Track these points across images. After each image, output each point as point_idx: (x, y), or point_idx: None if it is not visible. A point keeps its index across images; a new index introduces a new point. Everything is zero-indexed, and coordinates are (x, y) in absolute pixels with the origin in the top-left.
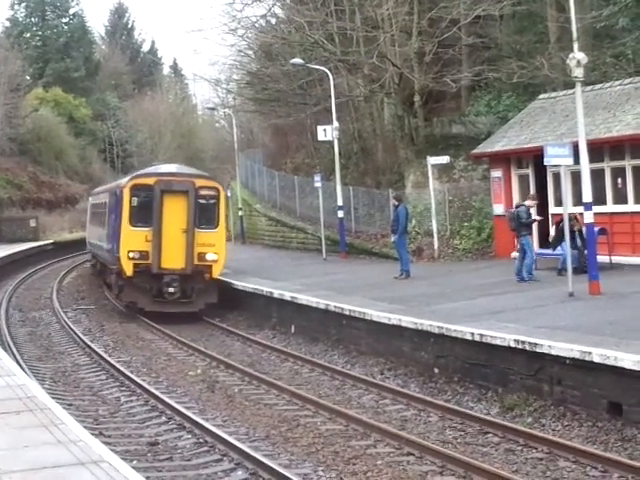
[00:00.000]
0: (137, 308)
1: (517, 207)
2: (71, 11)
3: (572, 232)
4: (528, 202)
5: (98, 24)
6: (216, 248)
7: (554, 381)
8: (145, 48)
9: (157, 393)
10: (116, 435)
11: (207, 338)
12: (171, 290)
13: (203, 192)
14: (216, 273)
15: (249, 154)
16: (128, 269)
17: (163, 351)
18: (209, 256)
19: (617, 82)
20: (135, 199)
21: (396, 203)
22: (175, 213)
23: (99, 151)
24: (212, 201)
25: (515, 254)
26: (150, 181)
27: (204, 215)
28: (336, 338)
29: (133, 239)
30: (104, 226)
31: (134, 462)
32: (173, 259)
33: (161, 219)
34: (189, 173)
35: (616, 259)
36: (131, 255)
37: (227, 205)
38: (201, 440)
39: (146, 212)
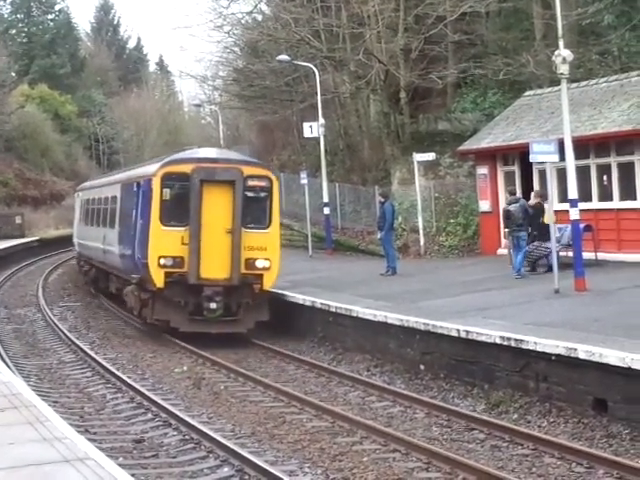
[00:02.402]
0: (167, 328)
1: (516, 202)
2: (57, 7)
3: (532, 221)
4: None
5: (84, 21)
6: (268, 253)
7: (540, 378)
8: (131, 45)
9: (143, 390)
10: (102, 432)
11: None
12: (213, 306)
13: (252, 182)
14: (268, 284)
15: (235, 151)
16: (158, 279)
17: (149, 348)
18: (259, 263)
19: (602, 79)
20: (167, 191)
21: (382, 200)
22: (218, 209)
23: (85, 148)
24: (263, 194)
25: (503, 251)
26: (186, 168)
27: (253, 211)
28: (322, 335)
29: (165, 242)
30: (112, 226)
31: (120, 459)
32: (215, 267)
33: (200, 216)
34: (235, 158)
35: (602, 256)
36: (162, 262)
37: (280, 199)
38: (187, 437)
39: (181, 208)
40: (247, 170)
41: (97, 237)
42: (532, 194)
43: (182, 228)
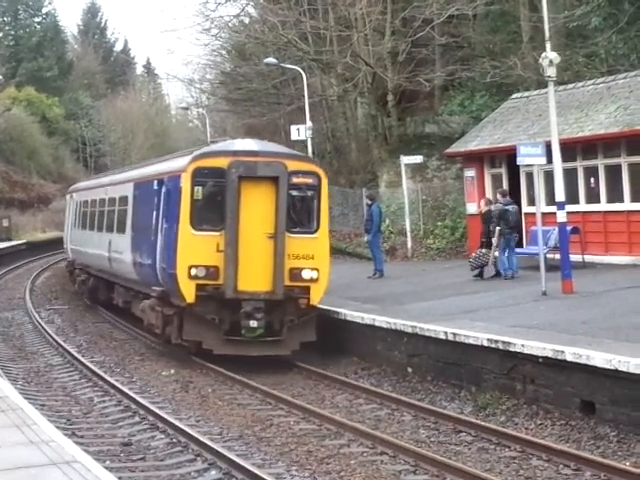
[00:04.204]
0: (198, 350)
1: (511, 203)
2: (44, 10)
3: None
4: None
5: (71, 23)
6: (316, 262)
7: (527, 380)
8: (118, 47)
9: (130, 393)
10: (89, 435)
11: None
12: (253, 324)
13: (298, 179)
14: (316, 299)
15: None
16: (189, 293)
17: (137, 351)
18: (306, 273)
19: (590, 82)
20: (199, 189)
21: (369, 202)
22: (258, 210)
23: (72, 151)
24: (310, 192)
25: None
26: (222, 162)
27: (299, 213)
28: None
29: (197, 249)
30: (121, 230)
31: (107, 462)
32: (255, 278)
33: (238, 219)
34: (278, 151)
35: (589, 258)
36: (193, 272)
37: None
38: (174, 440)
39: (215, 209)
40: (292, 165)
41: (99, 243)
42: (482, 201)
43: (217, 233)
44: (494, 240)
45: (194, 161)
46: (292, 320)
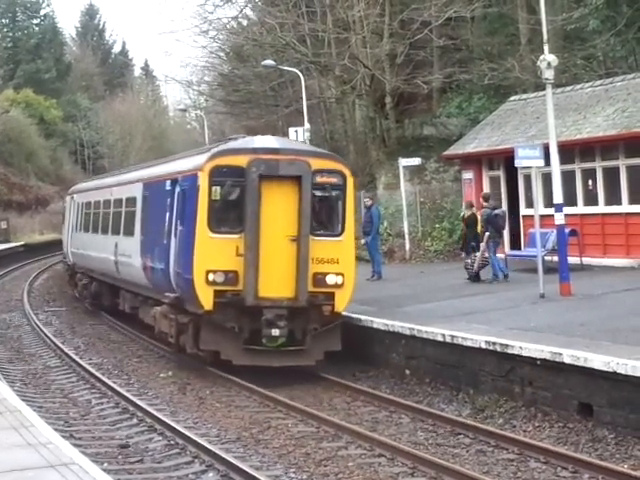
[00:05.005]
0: (215, 360)
1: (496, 208)
2: (42, 12)
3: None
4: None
5: (69, 25)
6: (341, 266)
7: (525, 382)
8: (116, 49)
9: (128, 395)
10: (87, 437)
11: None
12: (275, 332)
13: (321, 178)
14: (341, 305)
15: None
16: (206, 300)
17: (134, 353)
18: (330, 279)
19: (587, 84)
20: (217, 189)
21: (369, 204)
22: (280, 211)
23: (70, 153)
24: (335, 192)
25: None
26: (241, 161)
27: (323, 214)
28: None
29: (215, 252)
30: (128, 233)
31: (104, 464)
32: (277, 284)
33: (259, 221)
34: (300, 149)
35: (587, 260)
36: (211, 278)
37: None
38: (172, 442)
39: (235, 210)
40: (315, 163)
41: (104, 246)
42: (464, 205)
43: (236, 235)
44: (482, 245)
45: (212, 159)
46: (315, 328)
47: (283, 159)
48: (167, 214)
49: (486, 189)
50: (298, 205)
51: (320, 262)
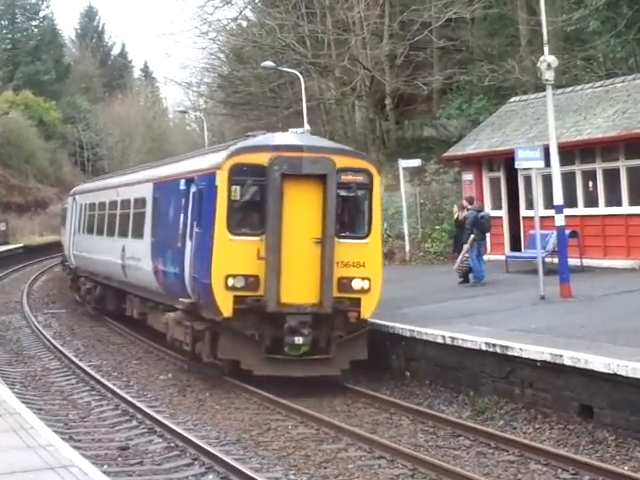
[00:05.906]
0: (234, 369)
1: (480, 211)
2: (41, 14)
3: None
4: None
5: (68, 27)
6: (367, 270)
7: (525, 384)
8: (115, 51)
9: (128, 397)
10: (86, 439)
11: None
12: (298, 340)
13: (347, 177)
14: (367, 312)
15: None
16: (225, 306)
17: (134, 355)
18: (356, 283)
19: (588, 85)
20: (237, 189)
21: None
22: (303, 212)
23: (69, 154)
24: (361, 192)
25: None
26: (262, 159)
27: (349, 215)
28: None
29: (234, 256)
30: (137, 235)
31: (104, 466)
32: (300, 289)
33: (281, 222)
34: (324, 146)
35: (587, 262)
36: (231, 283)
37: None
38: (172, 444)
39: (255, 210)
40: (340, 161)
41: (110, 249)
42: (454, 207)
43: (257, 238)
44: (465, 246)
45: (231, 157)
46: (340, 336)
47: (306, 157)
48: (181, 215)
49: (486, 190)
50: (322, 205)
51: (345, 266)
